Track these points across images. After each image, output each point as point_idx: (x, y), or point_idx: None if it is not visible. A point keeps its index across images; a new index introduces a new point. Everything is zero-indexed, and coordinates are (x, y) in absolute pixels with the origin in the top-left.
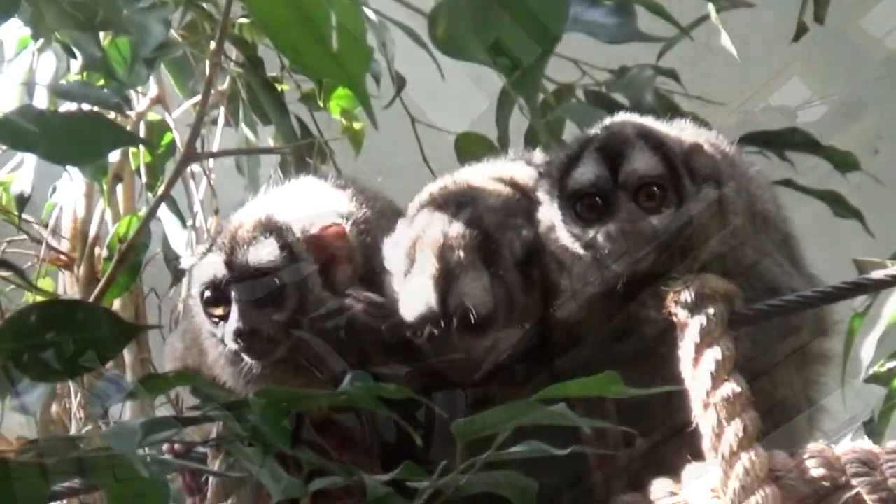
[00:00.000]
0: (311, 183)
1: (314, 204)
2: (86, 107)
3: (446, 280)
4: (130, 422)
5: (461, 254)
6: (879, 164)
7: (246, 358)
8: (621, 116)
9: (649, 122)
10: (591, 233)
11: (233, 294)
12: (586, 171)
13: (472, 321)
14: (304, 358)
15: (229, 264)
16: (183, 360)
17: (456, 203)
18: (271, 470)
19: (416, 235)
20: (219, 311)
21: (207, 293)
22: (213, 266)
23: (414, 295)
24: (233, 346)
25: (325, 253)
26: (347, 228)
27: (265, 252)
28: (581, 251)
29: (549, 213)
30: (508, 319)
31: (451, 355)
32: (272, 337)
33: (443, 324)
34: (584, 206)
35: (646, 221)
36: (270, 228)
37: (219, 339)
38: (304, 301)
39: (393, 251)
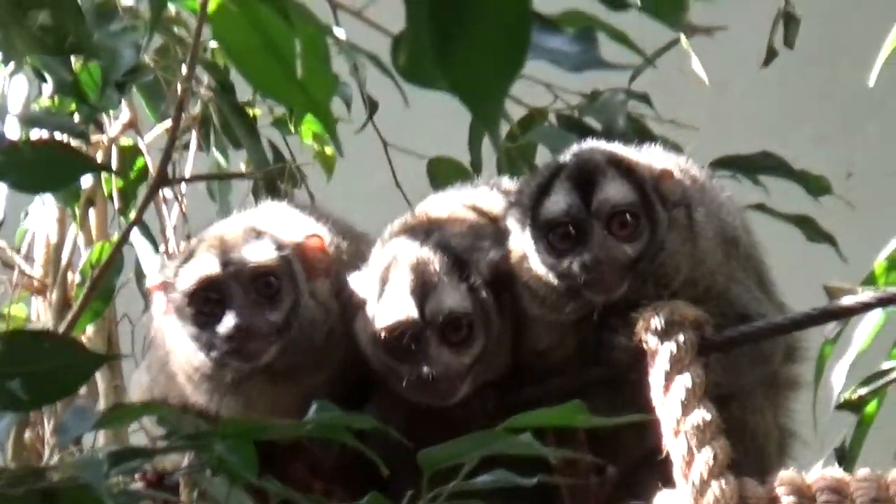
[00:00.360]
0: (276, 206)
1: (293, 219)
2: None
3: (423, 290)
4: (100, 449)
5: (436, 268)
6: (853, 187)
7: (234, 361)
8: (590, 143)
9: (618, 148)
10: (566, 262)
11: (231, 291)
12: (558, 201)
13: (452, 330)
14: (285, 365)
15: (226, 263)
16: (150, 391)
17: (423, 231)
18: (238, 500)
19: (388, 260)
20: (208, 311)
21: (201, 291)
22: (207, 264)
23: (390, 306)
24: (224, 346)
25: (307, 263)
26: (326, 242)
27: (263, 250)
28: (555, 281)
29: (521, 242)
30: (486, 338)
31: (429, 371)
32: (266, 337)
33: (422, 333)
34: (556, 236)
35: (620, 249)
36: (259, 231)
37: (203, 344)
38: (296, 304)
39: (363, 281)
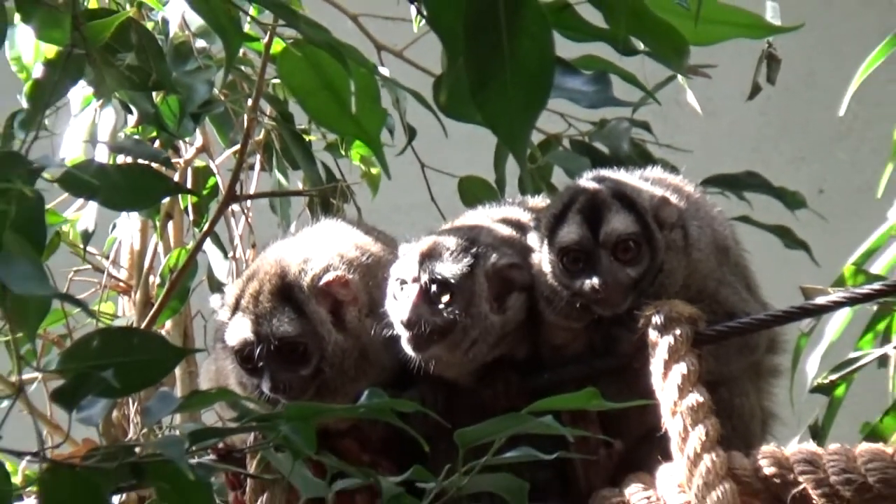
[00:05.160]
0: (327, 229)
1: (327, 252)
2: None
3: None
4: (177, 426)
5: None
6: (824, 202)
7: (279, 400)
8: (599, 173)
9: (622, 178)
10: (577, 283)
11: (265, 357)
12: (571, 232)
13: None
14: (326, 389)
15: (257, 334)
16: (216, 380)
17: (451, 230)
18: (300, 472)
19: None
20: (251, 366)
21: (239, 353)
22: (242, 332)
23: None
24: (267, 395)
25: (332, 299)
26: (352, 275)
27: (286, 323)
28: (568, 297)
29: (540, 260)
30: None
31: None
32: (301, 387)
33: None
34: (569, 260)
35: (624, 273)
36: (285, 294)
37: (252, 387)
38: (324, 353)
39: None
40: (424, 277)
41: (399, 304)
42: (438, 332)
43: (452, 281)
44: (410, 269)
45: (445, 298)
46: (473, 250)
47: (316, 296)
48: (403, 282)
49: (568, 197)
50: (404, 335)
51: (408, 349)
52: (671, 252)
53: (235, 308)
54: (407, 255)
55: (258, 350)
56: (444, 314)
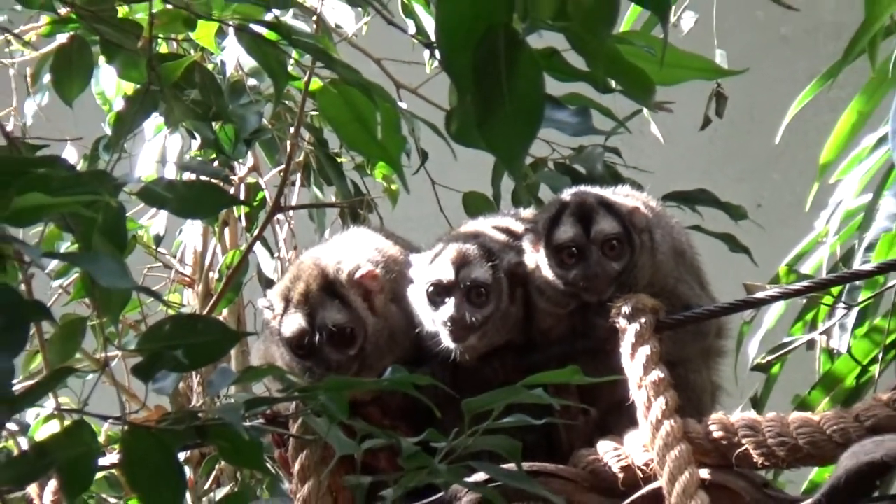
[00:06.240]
0: (354, 234)
1: (355, 253)
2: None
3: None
4: (237, 396)
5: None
6: (762, 214)
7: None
8: (581, 188)
9: (602, 191)
10: (571, 274)
11: (319, 344)
12: (567, 231)
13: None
14: (366, 365)
15: (311, 325)
16: (264, 357)
17: (463, 238)
18: (335, 434)
19: (435, 254)
20: (304, 352)
21: (296, 342)
22: (298, 324)
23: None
24: (318, 374)
25: (364, 289)
26: (378, 270)
27: (336, 313)
28: (562, 286)
29: (535, 258)
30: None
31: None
32: (349, 365)
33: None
34: (565, 254)
35: (610, 266)
36: (330, 290)
37: (302, 369)
38: (366, 334)
39: (415, 274)
40: (463, 282)
41: (442, 307)
42: (477, 325)
43: (488, 282)
44: (446, 274)
45: (482, 298)
46: (494, 254)
47: (353, 287)
48: (439, 286)
49: (560, 204)
50: (446, 331)
51: (447, 342)
52: (642, 251)
53: (287, 306)
54: (436, 262)
55: (315, 337)
56: (483, 310)
